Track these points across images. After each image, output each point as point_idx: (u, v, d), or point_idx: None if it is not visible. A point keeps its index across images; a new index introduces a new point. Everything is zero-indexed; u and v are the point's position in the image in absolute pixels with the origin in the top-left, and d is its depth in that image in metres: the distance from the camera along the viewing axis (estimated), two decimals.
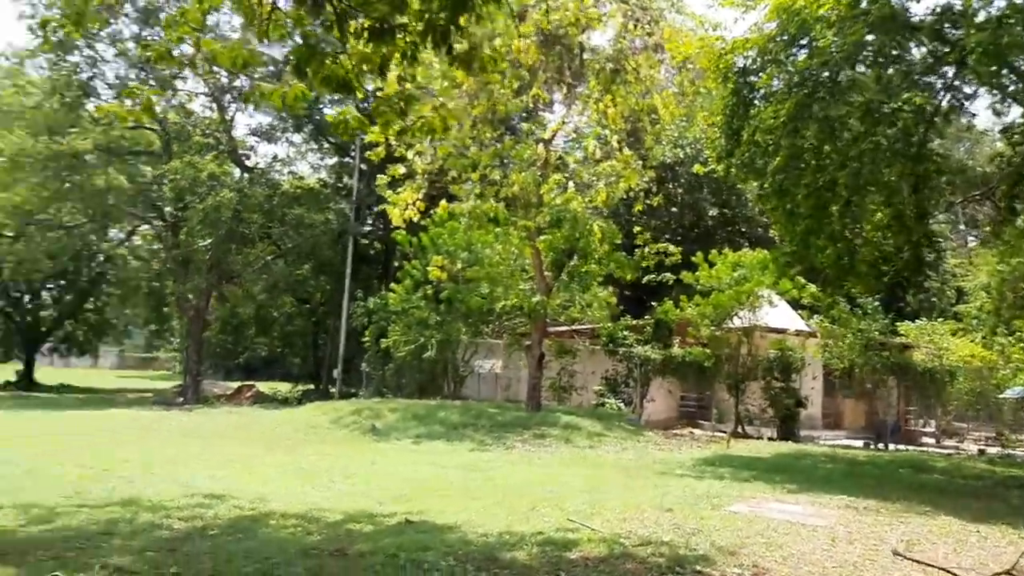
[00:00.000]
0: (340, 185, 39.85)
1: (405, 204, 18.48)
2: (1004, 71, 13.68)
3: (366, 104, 12.66)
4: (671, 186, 36.19)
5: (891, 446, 23.00)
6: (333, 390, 33.49)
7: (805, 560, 7.21)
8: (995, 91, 14.79)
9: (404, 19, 6.12)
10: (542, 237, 22.48)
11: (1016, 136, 15.81)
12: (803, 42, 14.83)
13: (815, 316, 25.41)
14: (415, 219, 19.06)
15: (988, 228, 21.79)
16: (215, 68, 28.97)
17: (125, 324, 57.81)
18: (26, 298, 45.48)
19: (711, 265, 24.91)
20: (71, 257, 37.41)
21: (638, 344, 25.25)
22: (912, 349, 26.43)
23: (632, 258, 23.53)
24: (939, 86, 14.83)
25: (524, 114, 25.53)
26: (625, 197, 21.45)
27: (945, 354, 25.40)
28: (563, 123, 22.27)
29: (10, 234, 33.47)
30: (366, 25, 6.06)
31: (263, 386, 38.02)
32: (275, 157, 40.95)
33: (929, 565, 7.22)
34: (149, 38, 30.36)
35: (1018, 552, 7.62)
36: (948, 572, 7.01)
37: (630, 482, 12.13)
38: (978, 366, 25.51)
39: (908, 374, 25.85)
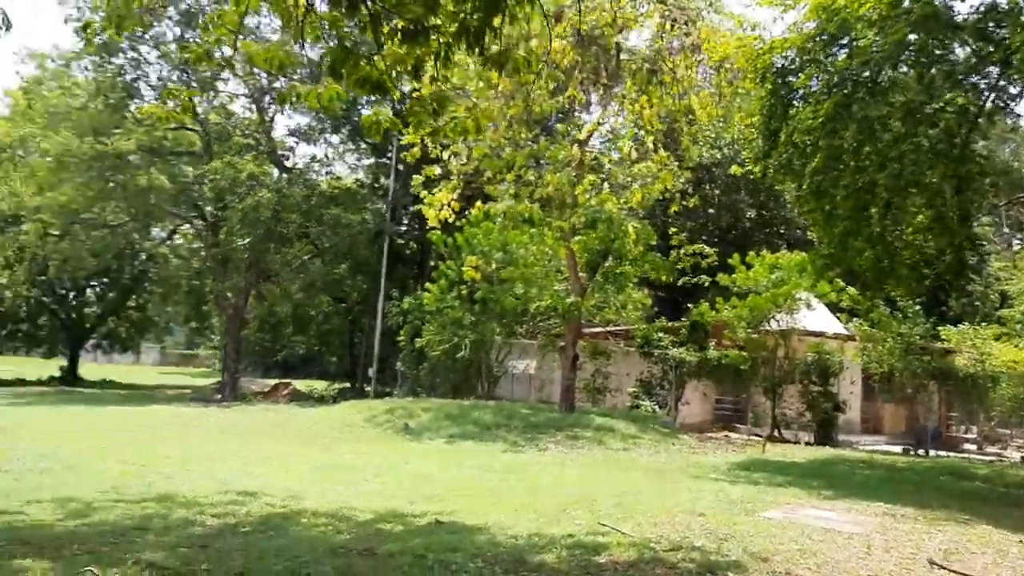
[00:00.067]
0: (377, 185, 40.12)
1: (440, 204, 18.56)
2: None
3: (402, 105, 12.75)
4: (708, 187, 35.97)
5: (931, 452, 22.60)
6: (368, 389, 33.70)
7: (839, 568, 7.09)
8: None
9: (437, 20, 6.15)
10: (577, 238, 22.45)
11: None
12: (843, 42, 14.61)
13: (854, 319, 25.07)
14: (450, 219, 19.11)
15: None
16: (254, 70, 29.47)
17: (166, 321, 58.82)
18: (71, 295, 46.59)
19: (748, 267, 24.68)
20: (114, 255, 38.23)
21: (673, 346, 25.08)
22: (954, 354, 25.94)
23: (667, 260, 23.41)
24: (983, 86, 14.51)
25: (560, 115, 25.47)
26: (661, 198, 21.35)
27: (988, 359, 24.87)
28: (599, 124, 22.21)
29: (56, 232, 34.16)
30: (400, 26, 6.10)
31: (300, 384, 38.49)
32: (313, 158, 41.38)
33: None
34: (190, 40, 30.82)
35: None
36: None
37: (663, 486, 12.03)
38: (1022, 372, 24.95)
39: (950, 379, 25.37)
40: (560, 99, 17.59)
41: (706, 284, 23.98)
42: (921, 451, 22.72)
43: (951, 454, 22.85)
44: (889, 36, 13.27)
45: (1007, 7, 13.26)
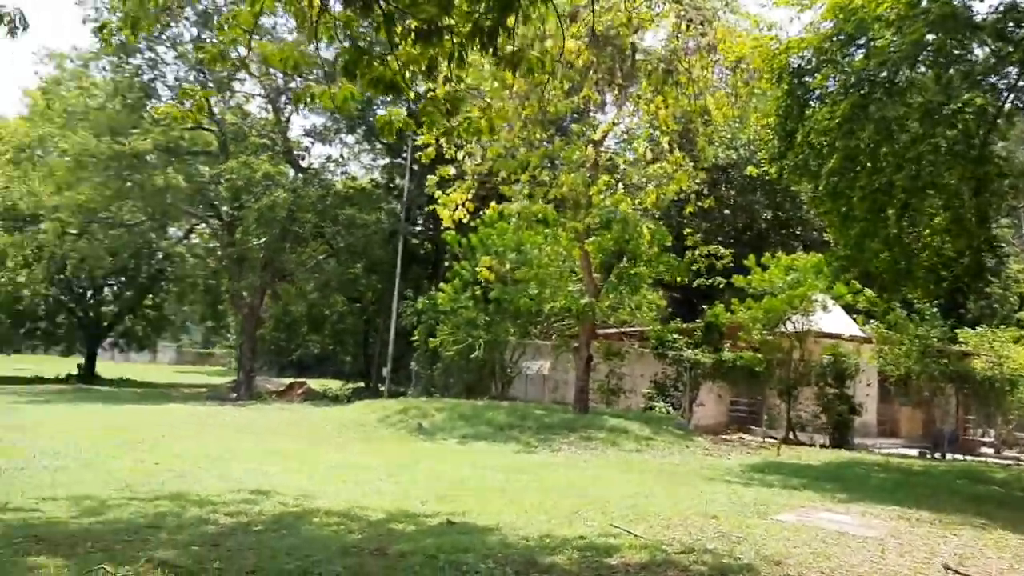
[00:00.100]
0: (391, 185, 40.20)
1: (455, 204, 18.56)
2: None
3: (416, 105, 12.77)
4: (723, 188, 35.81)
5: (948, 456, 22.39)
6: (382, 388, 33.76)
7: (853, 572, 7.04)
8: None
9: (451, 20, 6.14)
10: (591, 239, 22.41)
11: None
12: (860, 42, 14.52)
13: (870, 321, 24.87)
14: (465, 219, 19.08)
15: None
16: (270, 70, 29.57)
17: (182, 320, 59.10)
18: (88, 294, 46.94)
19: (763, 268, 24.53)
20: (131, 254, 38.54)
21: (688, 347, 24.99)
22: (972, 357, 25.69)
23: (682, 261, 23.33)
24: (1002, 87, 14.39)
25: (575, 115, 25.41)
26: (676, 199, 21.26)
27: (1006, 362, 24.61)
28: (614, 124, 22.12)
29: (74, 231, 34.41)
30: (413, 27, 6.10)
31: (315, 383, 38.64)
32: (328, 158, 41.38)
33: None
34: (207, 41, 30.98)
35: None
36: None
37: (676, 488, 11.99)
38: None
39: (967, 382, 25.11)
40: (575, 99, 17.55)
41: (721, 285, 23.86)
42: (938, 454, 22.51)
43: (968, 458, 22.63)
44: (907, 36, 13.18)
45: None
